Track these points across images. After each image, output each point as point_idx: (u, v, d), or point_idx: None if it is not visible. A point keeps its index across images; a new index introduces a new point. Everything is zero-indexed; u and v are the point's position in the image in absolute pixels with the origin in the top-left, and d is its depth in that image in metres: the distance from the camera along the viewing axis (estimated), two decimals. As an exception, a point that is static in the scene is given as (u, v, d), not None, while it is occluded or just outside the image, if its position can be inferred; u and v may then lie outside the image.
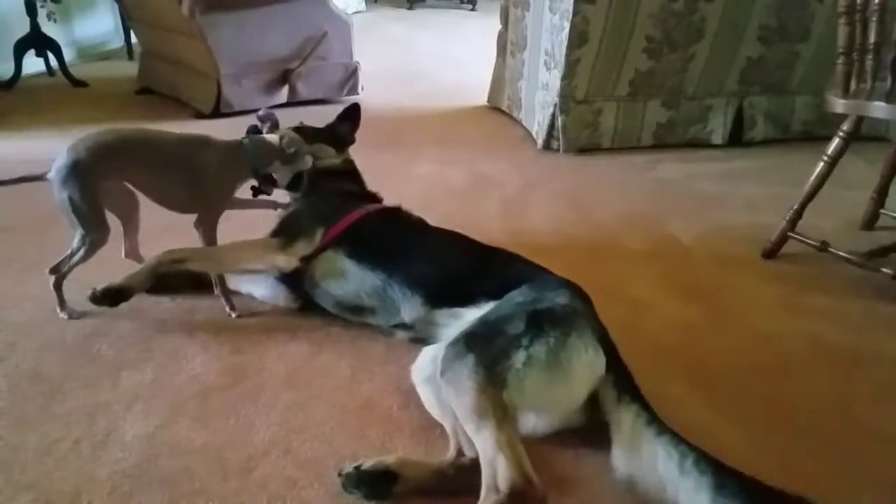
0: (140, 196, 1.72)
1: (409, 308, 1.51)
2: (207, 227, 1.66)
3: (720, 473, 1.02)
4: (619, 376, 1.25)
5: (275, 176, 1.77)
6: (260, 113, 1.83)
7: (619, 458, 1.15)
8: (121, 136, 1.63)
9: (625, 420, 1.17)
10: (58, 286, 1.64)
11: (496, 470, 1.07)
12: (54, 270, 1.62)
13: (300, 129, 1.91)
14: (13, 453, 1.22)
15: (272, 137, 1.72)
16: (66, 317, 1.65)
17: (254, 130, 1.78)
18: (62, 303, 1.66)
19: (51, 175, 1.53)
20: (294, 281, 1.67)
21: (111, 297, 1.52)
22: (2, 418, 1.31)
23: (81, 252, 1.58)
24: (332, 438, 1.28)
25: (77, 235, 1.57)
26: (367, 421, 1.33)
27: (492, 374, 1.16)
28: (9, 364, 1.48)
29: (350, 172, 1.92)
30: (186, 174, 1.63)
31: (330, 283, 1.60)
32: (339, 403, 1.38)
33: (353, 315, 1.63)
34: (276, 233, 1.69)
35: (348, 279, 1.58)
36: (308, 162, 1.78)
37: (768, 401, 1.42)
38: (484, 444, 1.10)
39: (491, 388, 1.15)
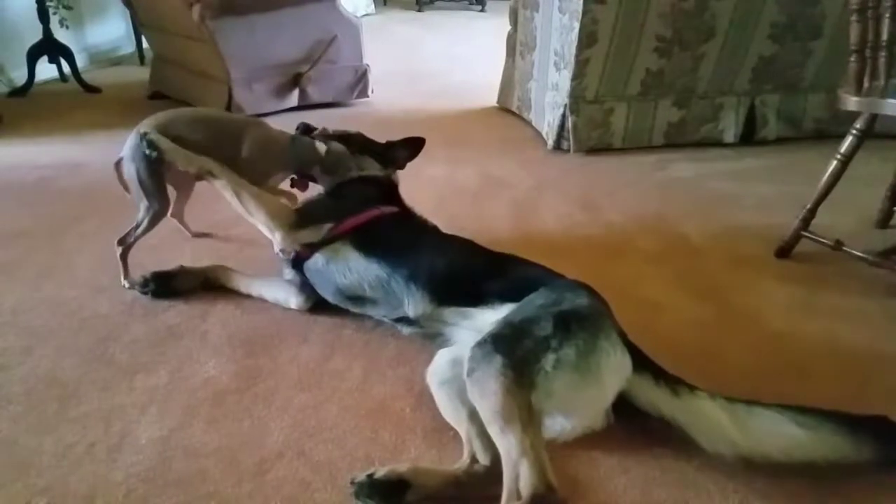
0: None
1: (414, 303, 1.50)
2: None
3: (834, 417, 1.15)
4: (657, 372, 1.26)
5: (317, 178, 1.88)
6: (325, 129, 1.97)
7: (718, 443, 1.17)
8: (189, 114, 1.80)
9: (706, 408, 1.20)
10: (124, 256, 1.79)
11: (518, 474, 1.06)
12: (121, 242, 1.77)
13: (350, 137, 1.93)
14: (29, 457, 1.23)
15: (320, 146, 1.82)
16: (128, 285, 1.80)
17: (304, 129, 1.89)
18: (126, 272, 1.81)
19: (124, 152, 1.69)
20: (296, 264, 1.69)
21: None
22: (18, 422, 1.33)
23: (145, 223, 1.73)
24: (345, 441, 1.28)
25: (142, 208, 1.72)
26: (379, 423, 1.33)
27: (520, 377, 1.14)
28: (24, 368, 1.50)
29: (388, 186, 1.89)
30: (235, 149, 1.75)
31: (333, 270, 1.61)
32: (352, 406, 1.39)
33: (353, 305, 1.64)
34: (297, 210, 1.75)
35: (351, 269, 1.58)
36: (350, 174, 1.85)
37: (783, 401, 1.40)
38: (508, 447, 1.09)
39: (518, 391, 1.13)
